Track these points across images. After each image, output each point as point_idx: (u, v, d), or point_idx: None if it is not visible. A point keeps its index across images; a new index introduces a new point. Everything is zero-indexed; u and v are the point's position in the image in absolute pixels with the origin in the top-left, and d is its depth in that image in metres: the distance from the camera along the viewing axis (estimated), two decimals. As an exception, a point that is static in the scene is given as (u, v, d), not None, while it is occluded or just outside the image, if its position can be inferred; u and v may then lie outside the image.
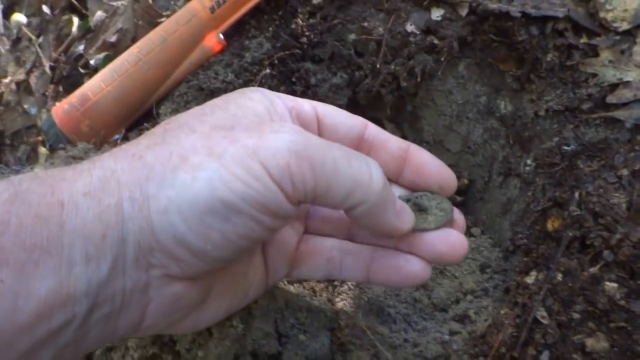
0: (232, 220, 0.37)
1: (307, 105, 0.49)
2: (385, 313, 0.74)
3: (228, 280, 0.46)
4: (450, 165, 0.52)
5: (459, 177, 0.93)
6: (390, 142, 0.51)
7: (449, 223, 0.51)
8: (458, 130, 0.94)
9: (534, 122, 0.82)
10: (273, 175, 0.37)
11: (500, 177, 0.88)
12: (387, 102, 0.94)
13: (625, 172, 0.73)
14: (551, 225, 0.73)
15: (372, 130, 0.51)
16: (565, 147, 0.78)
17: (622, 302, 0.67)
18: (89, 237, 0.35)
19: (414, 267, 0.49)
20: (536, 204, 0.78)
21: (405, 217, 0.47)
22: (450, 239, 0.49)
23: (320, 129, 0.49)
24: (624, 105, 0.76)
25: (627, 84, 0.77)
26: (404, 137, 1.05)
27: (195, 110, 0.44)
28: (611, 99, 0.76)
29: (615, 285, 0.68)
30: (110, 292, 0.37)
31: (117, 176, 0.37)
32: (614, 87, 0.77)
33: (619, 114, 0.75)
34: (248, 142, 0.38)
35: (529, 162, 0.82)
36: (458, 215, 0.53)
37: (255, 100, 0.45)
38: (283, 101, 0.47)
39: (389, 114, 0.98)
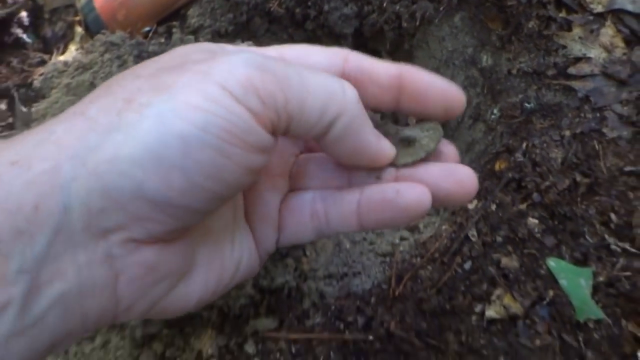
0: (193, 156, 0.31)
1: (272, 52, 0.41)
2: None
3: (212, 246, 0.40)
4: None
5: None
6: (377, 71, 0.42)
7: (430, 154, 0.43)
8: (444, 74, 1.07)
9: (506, 78, 0.96)
10: (235, 94, 0.32)
11: (471, 120, 1.03)
12: (388, 37, 1.06)
13: (567, 133, 0.88)
14: (498, 166, 0.89)
15: (353, 61, 0.42)
16: (526, 104, 0.92)
17: (538, 235, 0.85)
18: (15, 211, 0.30)
19: (409, 195, 0.40)
20: (492, 148, 0.93)
21: (384, 141, 0.41)
22: (457, 175, 0.41)
23: None
24: (581, 77, 0.90)
25: (588, 59, 0.90)
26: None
27: (143, 62, 0.38)
28: (572, 70, 0.90)
29: (537, 221, 0.85)
30: (57, 268, 0.31)
31: (55, 138, 0.31)
32: (577, 60, 0.91)
33: (575, 84, 0.89)
34: (200, 68, 0.33)
35: (495, 111, 0.96)
36: (448, 146, 0.45)
37: (205, 42, 0.39)
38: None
39: (388, 48, 1.11)
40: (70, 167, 0.30)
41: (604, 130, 0.86)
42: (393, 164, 0.43)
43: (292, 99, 0.34)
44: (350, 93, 0.37)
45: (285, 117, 0.34)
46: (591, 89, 0.88)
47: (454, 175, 0.41)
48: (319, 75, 0.36)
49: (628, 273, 0.79)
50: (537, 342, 0.79)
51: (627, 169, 0.84)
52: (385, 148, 0.41)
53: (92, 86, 0.84)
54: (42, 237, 0.30)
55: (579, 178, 0.85)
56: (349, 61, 0.42)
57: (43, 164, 0.30)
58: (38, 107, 0.86)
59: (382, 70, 0.42)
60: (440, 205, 0.42)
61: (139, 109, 0.31)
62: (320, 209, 0.45)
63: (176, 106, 0.31)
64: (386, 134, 0.43)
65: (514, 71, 0.94)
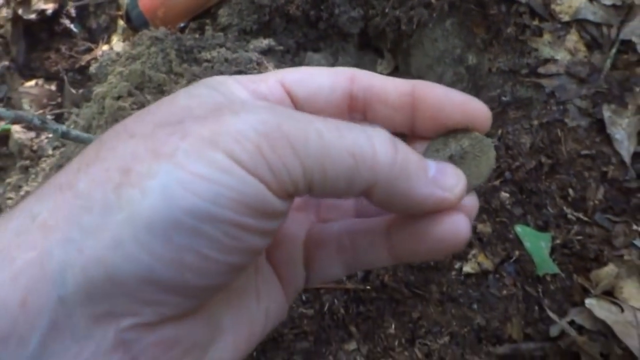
0: (206, 232, 0.27)
1: (271, 81, 0.37)
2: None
3: (236, 306, 0.36)
4: None
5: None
6: (386, 89, 0.37)
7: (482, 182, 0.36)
8: (436, 70, 1.24)
9: (487, 75, 1.13)
10: (244, 163, 0.28)
11: (457, 110, 1.20)
12: (389, 37, 1.23)
13: (536, 122, 1.05)
14: (478, 149, 1.06)
15: (362, 81, 0.38)
16: (503, 98, 1.09)
17: (508, 206, 1.02)
18: None
19: (445, 225, 0.34)
20: (474, 134, 1.11)
21: (448, 180, 0.33)
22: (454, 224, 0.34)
23: (294, 102, 0.37)
24: (549, 76, 1.07)
25: (555, 61, 1.07)
26: (396, 67, 1.36)
27: (138, 112, 0.34)
28: (541, 69, 1.07)
29: (508, 195, 1.02)
30: None
31: (40, 221, 0.28)
32: (546, 61, 1.07)
33: (544, 81, 1.06)
34: (203, 132, 0.28)
35: (477, 103, 1.14)
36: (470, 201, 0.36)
37: (211, 87, 0.34)
38: (243, 85, 0.36)
39: (389, 46, 1.28)
40: (63, 254, 0.26)
41: (566, 120, 1.03)
42: None
43: (310, 165, 0.29)
44: (382, 149, 0.30)
45: (305, 184, 0.29)
46: (556, 85, 1.05)
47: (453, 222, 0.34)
48: (343, 131, 0.30)
49: (580, 237, 0.97)
50: (504, 292, 0.97)
51: (584, 152, 1.01)
52: (451, 191, 0.33)
53: (142, 74, 1.01)
54: (33, 337, 0.26)
55: (543, 159, 1.02)
56: (356, 81, 0.37)
57: (28, 254, 0.26)
58: (97, 90, 1.02)
59: (392, 88, 0.37)
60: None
61: (139, 182, 0.27)
62: (347, 242, 0.39)
63: (183, 178, 0.26)
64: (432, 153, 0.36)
65: (494, 69, 1.11)
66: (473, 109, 0.36)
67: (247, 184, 0.27)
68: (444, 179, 0.33)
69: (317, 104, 0.37)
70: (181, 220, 0.26)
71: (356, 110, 0.38)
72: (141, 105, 1.00)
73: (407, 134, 0.38)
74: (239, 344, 0.35)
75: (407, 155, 0.31)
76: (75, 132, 0.72)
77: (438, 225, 0.33)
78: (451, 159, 0.36)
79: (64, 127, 0.73)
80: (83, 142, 0.75)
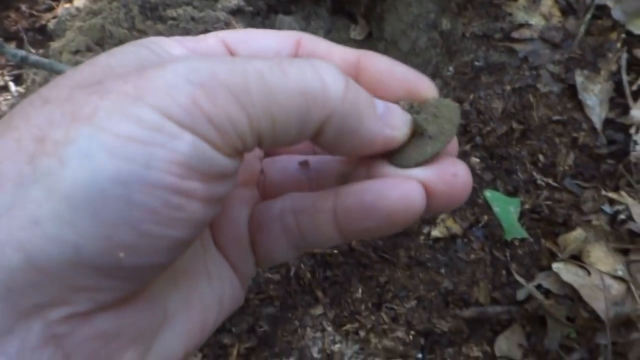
0: (140, 202, 0.23)
1: (212, 40, 0.34)
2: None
3: (185, 289, 0.32)
4: None
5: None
6: (331, 57, 0.35)
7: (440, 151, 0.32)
8: (409, 36, 1.21)
9: (461, 40, 1.10)
10: (178, 118, 0.24)
11: (431, 76, 1.17)
12: (362, 2, 1.20)
13: (508, 87, 1.03)
14: (449, 113, 1.04)
15: (307, 46, 0.35)
16: (476, 63, 1.07)
17: (479, 172, 1.00)
18: None
19: (393, 195, 0.30)
20: (446, 99, 1.09)
21: (396, 118, 0.31)
22: (449, 174, 0.31)
23: None
24: (523, 40, 1.05)
25: (529, 26, 1.05)
26: (370, 33, 1.33)
27: (55, 79, 0.29)
28: (515, 34, 1.05)
29: (478, 160, 1.01)
30: None
31: None
32: (520, 26, 1.05)
33: (517, 46, 1.05)
34: (126, 88, 0.24)
35: (450, 69, 1.11)
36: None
37: (139, 45, 0.30)
38: (180, 43, 0.32)
39: (362, 11, 1.25)
40: None
41: (538, 85, 1.02)
42: (396, 164, 0.32)
43: (257, 116, 0.25)
44: (333, 86, 0.27)
45: (252, 137, 0.26)
46: (530, 50, 1.03)
47: (445, 173, 0.31)
48: (287, 67, 0.27)
49: (549, 202, 0.96)
50: (472, 256, 0.95)
51: (555, 118, 1.00)
52: (398, 129, 0.31)
53: (103, 29, 0.96)
54: None
55: (515, 125, 1.00)
56: (302, 45, 0.35)
57: None
58: (54, 45, 0.97)
59: (338, 56, 0.34)
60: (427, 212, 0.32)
61: (56, 150, 0.23)
62: (291, 222, 0.35)
63: (106, 140, 0.23)
64: None
65: (468, 34, 1.09)
66: (416, 84, 0.33)
67: (185, 142, 0.24)
68: (392, 117, 0.31)
69: None
70: (109, 189, 0.22)
71: None
72: (102, 61, 0.96)
73: None
74: (192, 331, 0.32)
75: (357, 90, 0.29)
76: (34, 57, 0.68)
77: (386, 198, 0.30)
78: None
79: (22, 52, 0.68)
80: (43, 68, 0.70)
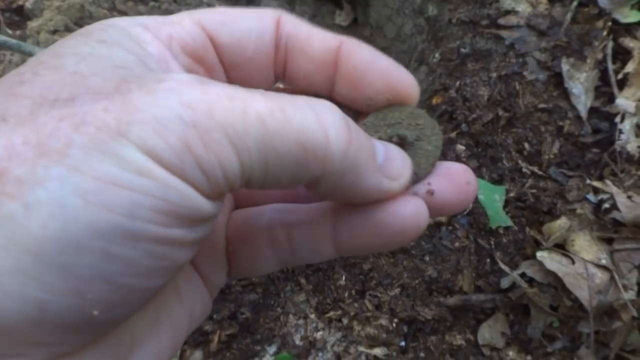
0: (120, 255, 0.20)
1: (187, 22, 0.29)
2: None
3: (154, 311, 0.28)
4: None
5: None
6: (312, 39, 0.31)
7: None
8: (395, 22, 1.19)
9: (447, 26, 1.08)
10: (167, 163, 0.21)
11: (416, 63, 1.15)
12: (348, -14, 1.17)
13: (494, 74, 1.01)
14: (435, 100, 1.02)
15: (287, 26, 0.31)
16: (462, 49, 1.05)
17: (464, 159, 0.99)
18: None
19: (405, 213, 0.28)
20: (432, 86, 1.06)
21: (396, 168, 0.29)
22: (455, 178, 0.30)
23: (217, 50, 0.30)
24: (509, 27, 1.03)
25: (516, 12, 1.03)
26: (355, 19, 1.30)
27: (9, 78, 0.24)
28: (502, 21, 1.03)
29: (464, 147, 0.99)
30: None
31: None
32: (507, 12, 1.03)
33: (504, 33, 1.02)
34: (107, 120, 0.20)
35: (436, 55, 1.09)
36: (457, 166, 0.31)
37: (110, 42, 0.25)
38: (152, 31, 0.27)
39: (348, -4, 1.22)
40: None
41: (525, 73, 1.00)
42: None
43: (250, 160, 0.22)
44: (336, 136, 0.24)
45: (241, 183, 0.23)
46: (516, 37, 1.02)
47: (452, 178, 0.30)
48: (290, 111, 0.23)
49: (534, 190, 0.94)
50: (457, 244, 0.94)
51: (541, 106, 0.99)
52: (398, 181, 0.28)
53: (82, 9, 0.92)
54: None
55: (500, 112, 0.99)
56: (282, 26, 0.31)
57: None
58: (32, 24, 0.93)
59: (318, 41, 0.31)
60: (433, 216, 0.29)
61: (20, 192, 0.19)
62: (281, 235, 0.32)
63: (82, 185, 0.19)
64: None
65: (454, 20, 1.07)
66: (399, 79, 0.31)
67: (172, 188, 0.21)
68: (391, 166, 0.28)
69: (246, 52, 0.30)
70: (84, 243, 0.19)
71: (277, 62, 0.31)
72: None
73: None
74: (162, 352, 0.29)
75: (359, 141, 0.25)
76: (2, 38, 0.64)
77: (397, 215, 0.28)
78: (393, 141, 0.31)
79: (-13, 31, 0.64)
80: (11, 49, 0.67)
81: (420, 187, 0.30)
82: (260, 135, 0.22)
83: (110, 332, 0.24)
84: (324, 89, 0.32)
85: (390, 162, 0.28)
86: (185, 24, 0.29)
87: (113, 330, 0.24)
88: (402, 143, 0.31)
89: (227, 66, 0.31)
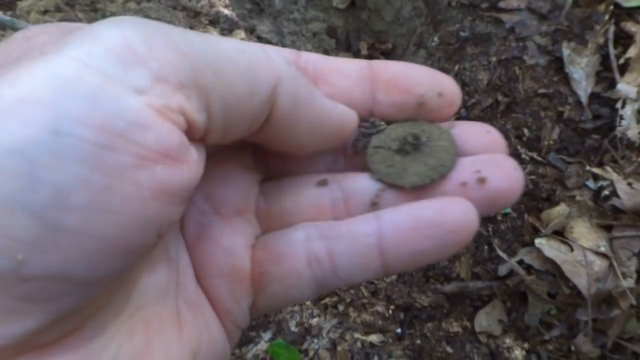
0: (47, 180, 0.17)
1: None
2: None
3: (140, 342, 0.24)
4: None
5: (385, 42, 1.18)
6: (342, 64, 0.31)
7: (447, 169, 0.29)
8: (393, 4, 1.16)
9: (446, 9, 1.06)
10: (105, 69, 0.19)
11: (415, 47, 1.13)
12: (345, -32, 1.15)
13: (494, 59, 0.99)
14: (434, 85, 1.00)
15: (310, 56, 0.31)
16: (462, 33, 1.02)
17: (462, 145, 0.97)
18: None
19: (456, 212, 0.26)
20: (431, 70, 1.04)
21: (341, 106, 0.28)
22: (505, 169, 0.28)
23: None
24: (510, 10, 1.00)
25: (517, -5, 1.01)
26: (353, 2, 1.27)
27: None
28: (502, 4, 1.00)
29: (462, 133, 0.97)
30: None
31: None
32: (507, -5, 1.01)
33: (504, 16, 1.00)
34: (43, 51, 0.20)
35: (435, 39, 1.07)
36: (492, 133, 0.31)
37: (69, 23, 0.25)
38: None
39: (345, -22, 1.19)
40: None
41: (525, 57, 0.98)
42: (396, 185, 0.29)
43: (202, 66, 0.21)
44: (278, 57, 0.25)
45: (199, 97, 0.21)
46: (517, 21, 0.99)
47: (496, 162, 0.28)
48: (229, 40, 0.23)
49: (533, 177, 0.92)
50: (454, 231, 0.92)
51: (541, 91, 0.96)
52: (345, 109, 0.28)
53: (72, -13, 0.89)
54: None
55: (500, 97, 0.96)
56: (303, 55, 0.31)
57: None
58: (22, 4, 0.91)
59: (346, 61, 0.31)
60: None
61: None
62: (320, 249, 0.28)
63: (4, 106, 0.17)
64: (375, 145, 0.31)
65: (453, 3, 1.04)
66: (437, 78, 0.31)
67: (111, 98, 0.18)
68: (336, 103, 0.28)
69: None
70: (6, 165, 0.17)
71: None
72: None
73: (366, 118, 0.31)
74: None
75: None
76: None
77: (448, 213, 0.26)
78: (404, 146, 0.30)
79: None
80: (5, 26, 0.64)
81: (467, 176, 0.28)
82: (207, 44, 0.22)
83: (75, 336, 0.21)
84: (365, 104, 0.31)
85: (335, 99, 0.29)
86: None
87: (79, 339, 0.21)
88: (417, 143, 0.30)
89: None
